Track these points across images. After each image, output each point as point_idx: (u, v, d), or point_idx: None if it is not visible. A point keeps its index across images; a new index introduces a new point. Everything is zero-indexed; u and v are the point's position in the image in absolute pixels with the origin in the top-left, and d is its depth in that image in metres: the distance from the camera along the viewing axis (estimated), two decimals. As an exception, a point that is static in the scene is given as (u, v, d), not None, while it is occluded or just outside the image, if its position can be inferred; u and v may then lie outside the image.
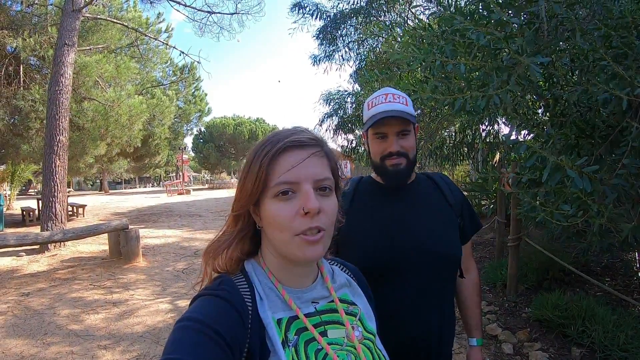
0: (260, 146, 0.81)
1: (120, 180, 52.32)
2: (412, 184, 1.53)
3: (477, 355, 1.62)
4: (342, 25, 8.65)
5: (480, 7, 2.39)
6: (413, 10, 7.49)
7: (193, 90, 26.94)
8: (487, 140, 6.56)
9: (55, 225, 8.96)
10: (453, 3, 2.50)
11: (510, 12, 2.33)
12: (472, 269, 1.67)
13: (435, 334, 1.39)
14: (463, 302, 1.66)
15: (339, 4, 8.71)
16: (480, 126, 6.18)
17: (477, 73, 2.39)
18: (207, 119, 34.47)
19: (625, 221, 2.59)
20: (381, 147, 1.44)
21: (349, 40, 8.93)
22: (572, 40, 2.42)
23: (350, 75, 8.62)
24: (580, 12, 2.56)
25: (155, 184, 58.22)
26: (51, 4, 11.80)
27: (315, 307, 0.86)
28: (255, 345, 0.74)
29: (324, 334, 0.82)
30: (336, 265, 1.03)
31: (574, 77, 2.77)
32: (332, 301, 0.89)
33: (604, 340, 3.32)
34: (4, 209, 13.38)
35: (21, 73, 11.28)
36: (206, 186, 43.40)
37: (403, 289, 1.37)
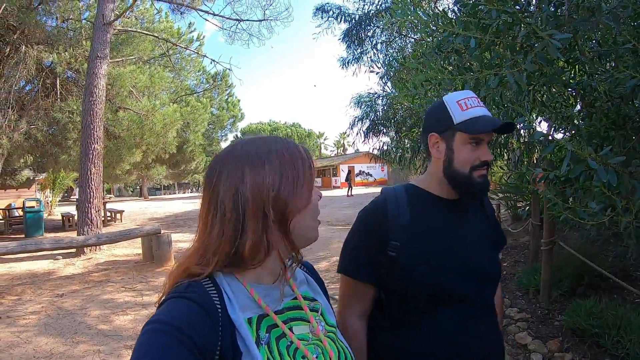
0: (302, 156, 0.88)
1: (159, 186, 53.72)
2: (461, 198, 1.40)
3: None
4: (368, 27, 8.57)
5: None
6: (440, 7, 7.33)
7: (226, 96, 27.50)
8: (522, 140, 6.32)
9: (91, 230, 9.29)
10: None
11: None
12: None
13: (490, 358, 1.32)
14: None
15: (364, 5, 8.64)
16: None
17: (489, 54, 2.27)
18: (241, 124, 35.10)
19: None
20: (474, 154, 1.29)
21: (376, 41, 8.83)
22: (596, 18, 2.26)
23: (380, 77, 8.53)
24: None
25: (194, 189, 59.36)
26: (85, 19, 12.30)
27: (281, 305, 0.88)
28: (226, 346, 0.74)
29: (290, 330, 0.84)
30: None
31: (605, 65, 2.58)
32: (295, 298, 0.92)
33: (639, 351, 3.09)
34: (45, 215, 13.96)
35: (58, 86, 11.78)
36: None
37: (467, 313, 1.28)
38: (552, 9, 2.28)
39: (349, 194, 26.38)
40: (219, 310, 0.76)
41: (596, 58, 2.48)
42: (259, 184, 0.80)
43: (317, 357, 0.84)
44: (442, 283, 1.25)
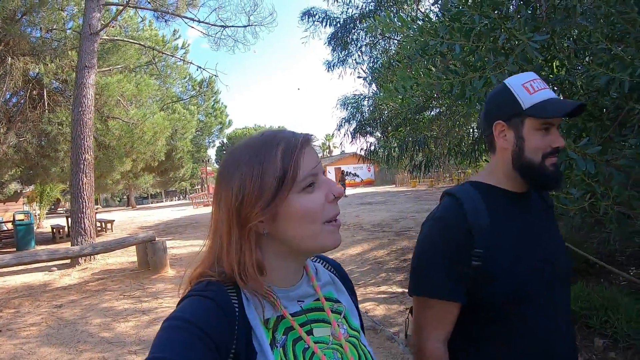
0: (269, 144, 0.80)
1: (146, 195, 53.27)
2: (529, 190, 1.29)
3: None
4: (353, 30, 8.74)
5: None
6: (422, 9, 7.51)
7: (212, 103, 27.56)
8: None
9: (85, 239, 9.29)
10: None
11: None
12: None
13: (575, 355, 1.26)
14: None
15: (348, 9, 8.81)
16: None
17: (473, 57, 2.40)
18: (228, 131, 35.23)
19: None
20: (545, 141, 1.18)
21: (361, 44, 8.99)
22: (572, 19, 2.41)
23: (365, 79, 8.69)
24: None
25: (181, 197, 58.90)
26: (69, 29, 12.26)
27: (300, 306, 0.85)
28: (241, 346, 0.74)
29: (310, 332, 0.82)
30: (319, 262, 1.01)
31: (582, 60, 2.73)
32: (318, 299, 0.89)
33: (626, 329, 3.28)
34: (35, 228, 13.86)
35: (45, 97, 11.77)
36: (231, 197, 43.65)
37: (554, 311, 1.19)
38: (530, 12, 2.43)
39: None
40: (237, 309, 0.76)
41: (573, 55, 2.64)
42: (228, 199, 0.78)
43: None
44: (532, 285, 1.16)
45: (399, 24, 2.63)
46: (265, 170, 0.77)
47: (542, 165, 1.17)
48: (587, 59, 2.60)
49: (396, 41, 7.70)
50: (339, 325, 0.87)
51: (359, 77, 8.99)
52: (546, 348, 1.16)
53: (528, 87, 1.18)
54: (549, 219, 1.31)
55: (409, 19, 2.77)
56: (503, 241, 1.17)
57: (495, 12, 2.22)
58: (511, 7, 2.49)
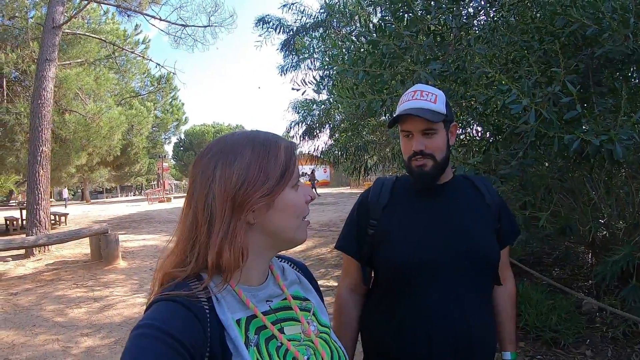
0: (272, 140, 0.85)
1: (101, 189, 51.88)
2: (448, 184, 1.43)
3: None
4: (305, 38, 9.12)
5: (384, 21, 2.76)
6: (374, 20, 7.97)
7: (170, 100, 27.16)
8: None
9: (40, 231, 9.34)
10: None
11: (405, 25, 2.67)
12: (509, 278, 1.55)
13: (471, 342, 1.29)
14: (496, 313, 1.50)
15: (301, 17, 9.25)
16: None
17: (378, 81, 2.73)
18: (184, 127, 34.83)
19: (542, 211, 2.95)
20: (408, 145, 1.38)
21: (313, 49, 9.40)
22: (472, 47, 2.75)
23: (315, 84, 9.07)
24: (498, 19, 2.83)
25: (137, 192, 57.62)
26: (31, 18, 12.11)
27: (269, 306, 0.86)
28: (216, 348, 0.73)
29: (281, 331, 0.83)
30: (284, 262, 1.03)
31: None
32: (285, 299, 0.90)
33: (536, 322, 3.56)
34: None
35: (4, 86, 11.63)
36: (188, 194, 43.07)
37: (439, 292, 1.30)
38: (436, 42, 2.74)
39: None
40: (207, 311, 0.75)
41: (476, 77, 2.94)
42: (227, 180, 0.77)
43: (308, 359, 0.83)
44: (411, 257, 1.32)
45: (330, 44, 3.01)
46: (271, 159, 0.81)
47: (409, 165, 1.38)
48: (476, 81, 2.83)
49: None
50: (308, 323, 0.89)
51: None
52: (429, 325, 1.28)
53: (401, 100, 1.40)
54: (463, 211, 1.40)
55: (339, 40, 3.13)
56: (394, 219, 1.39)
57: (399, 43, 2.56)
58: (420, 36, 2.78)
